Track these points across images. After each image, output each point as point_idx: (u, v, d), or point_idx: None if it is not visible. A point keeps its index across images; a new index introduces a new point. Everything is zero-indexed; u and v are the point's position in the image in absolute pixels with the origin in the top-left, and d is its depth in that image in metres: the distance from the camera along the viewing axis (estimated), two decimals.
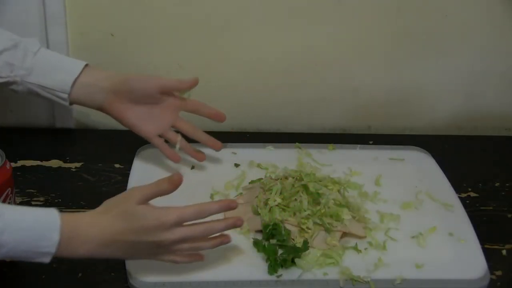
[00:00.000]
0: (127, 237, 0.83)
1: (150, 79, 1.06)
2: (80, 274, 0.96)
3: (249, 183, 1.12)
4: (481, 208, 1.17)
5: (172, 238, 0.85)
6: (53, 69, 1.04)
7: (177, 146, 1.09)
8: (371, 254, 1.00)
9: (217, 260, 0.97)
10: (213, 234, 0.89)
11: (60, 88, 1.04)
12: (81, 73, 1.04)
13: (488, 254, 1.02)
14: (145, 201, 0.86)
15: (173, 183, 0.87)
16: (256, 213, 1.04)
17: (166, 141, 1.12)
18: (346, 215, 1.03)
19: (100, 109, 1.07)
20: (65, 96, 1.04)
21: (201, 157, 1.13)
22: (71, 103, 1.06)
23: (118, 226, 0.83)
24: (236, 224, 0.90)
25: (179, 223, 0.85)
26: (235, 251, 0.99)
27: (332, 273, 0.96)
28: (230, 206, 0.89)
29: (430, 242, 1.04)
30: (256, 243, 0.99)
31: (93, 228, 0.83)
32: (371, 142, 1.31)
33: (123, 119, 1.06)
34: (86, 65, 1.05)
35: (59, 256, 0.81)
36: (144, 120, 1.06)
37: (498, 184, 1.23)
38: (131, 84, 1.04)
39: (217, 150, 1.13)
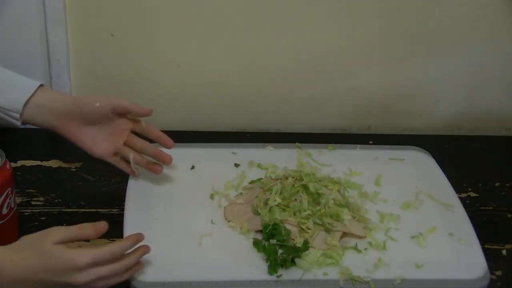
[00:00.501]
0: (39, 276, 0.82)
1: (102, 100, 1.02)
2: None
3: (249, 183, 1.12)
4: (481, 208, 1.17)
5: (85, 279, 0.83)
6: (6, 88, 1.01)
7: (132, 162, 1.08)
8: (371, 254, 1.00)
9: (217, 260, 0.97)
10: (128, 267, 0.89)
11: (12, 107, 1.00)
12: (34, 93, 1.01)
13: (488, 254, 1.02)
14: (63, 242, 0.84)
15: (97, 231, 0.86)
16: (256, 213, 1.04)
17: None
18: (346, 215, 1.03)
19: (53, 130, 1.04)
20: (17, 115, 1.01)
21: (158, 169, 1.09)
22: (23, 123, 1.03)
23: (31, 264, 0.81)
24: (145, 252, 0.90)
25: (93, 265, 0.84)
26: (235, 251, 0.99)
27: (332, 273, 0.96)
28: (139, 239, 0.89)
29: (430, 242, 1.04)
30: (256, 243, 0.99)
31: (4, 264, 0.81)
32: (371, 142, 1.30)
33: (76, 141, 1.04)
34: (41, 85, 1.02)
35: None
36: (97, 142, 1.04)
37: (498, 184, 1.23)
38: (81, 108, 1.02)
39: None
